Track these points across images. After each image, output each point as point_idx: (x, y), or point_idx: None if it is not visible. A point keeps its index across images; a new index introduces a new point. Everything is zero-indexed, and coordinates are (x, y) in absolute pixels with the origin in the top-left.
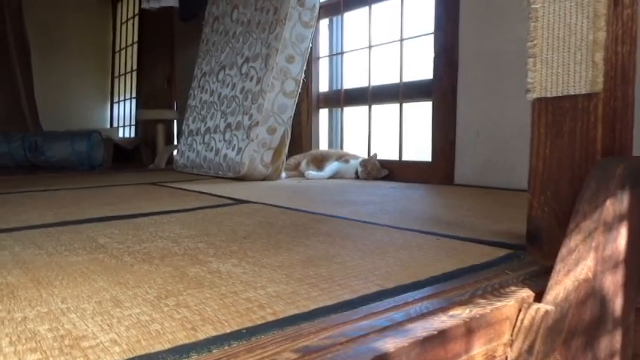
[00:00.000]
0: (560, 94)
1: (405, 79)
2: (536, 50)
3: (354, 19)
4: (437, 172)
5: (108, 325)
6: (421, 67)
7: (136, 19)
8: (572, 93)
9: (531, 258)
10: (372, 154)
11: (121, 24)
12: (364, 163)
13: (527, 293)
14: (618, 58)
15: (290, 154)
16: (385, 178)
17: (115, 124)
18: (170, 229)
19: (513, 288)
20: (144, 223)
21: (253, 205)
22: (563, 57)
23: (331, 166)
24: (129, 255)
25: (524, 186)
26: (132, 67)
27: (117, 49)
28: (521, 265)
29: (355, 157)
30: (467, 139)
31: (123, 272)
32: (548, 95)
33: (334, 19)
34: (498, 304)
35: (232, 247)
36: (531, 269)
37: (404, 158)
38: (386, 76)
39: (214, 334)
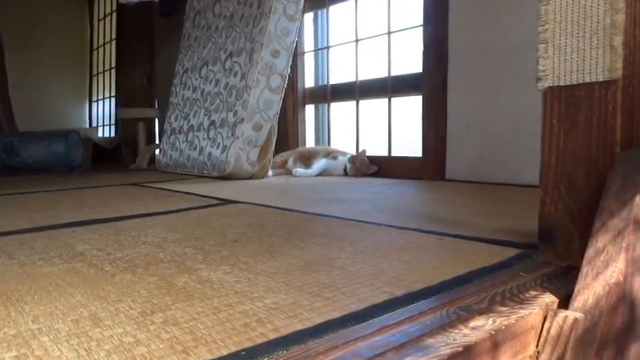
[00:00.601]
0: (575, 82)
1: (394, 73)
2: (547, 35)
3: (340, 12)
4: (428, 167)
5: (86, 349)
6: (410, 60)
7: (114, 15)
8: (588, 80)
9: (544, 258)
10: (360, 150)
11: (99, 20)
12: (353, 159)
13: (550, 299)
14: (637, 42)
15: (276, 151)
16: (374, 175)
17: (95, 124)
18: (154, 232)
19: (534, 292)
20: (126, 227)
21: (241, 205)
22: (577, 42)
23: (319, 163)
24: (110, 263)
25: (519, 181)
26: (110, 65)
27: (95, 46)
28: (535, 265)
29: (343, 153)
30: (458, 134)
31: (103, 284)
32: (562, 83)
33: (319, 12)
34: (522, 312)
35: (223, 252)
36: (547, 270)
37: (393, 154)
38: (374, 70)
39: (209, 357)
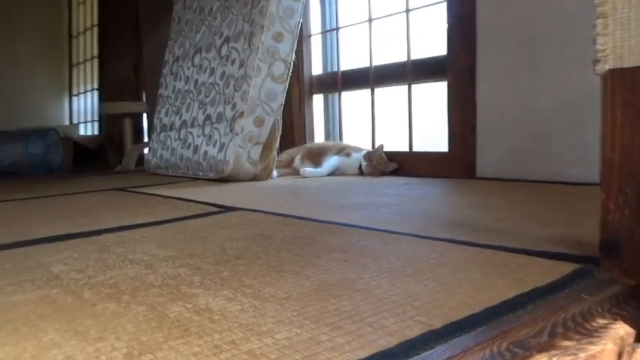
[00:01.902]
0: None
1: (414, 57)
2: (607, 8)
3: None
4: (455, 163)
5: None
6: (432, 41)
7: None
8: None
9: (608, 275)
10: (377, 145)
11: (78, 3)
12: (369, 156)
13: (624, 330)
14: None
15: (281, 148)
16: (394, 173)
17: (75, 120)
18: (143, 249)
19: (602, 321)
20: (110, 242)
21: (243, 212)
22: None
23: (330, 162)
24: (90, 289)
25: (565, 177)
26: (92, 54)
27: (74, 33)
28: (598, 285)
29: (358, 149)
30: (490, 124)
31: (82, 316)
32: (625, 65)
33: None
34: (592, 348)
35: (223, 273)
36: (613, 291)
37: (415, 149)
38: (390, 54)
39: None
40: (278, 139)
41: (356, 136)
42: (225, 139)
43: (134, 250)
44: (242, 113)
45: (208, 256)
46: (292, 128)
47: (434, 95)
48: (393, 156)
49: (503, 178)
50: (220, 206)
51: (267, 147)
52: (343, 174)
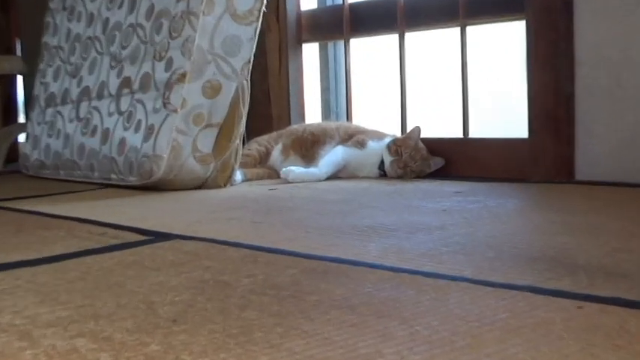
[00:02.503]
0: None
1: None
2: None
3: None
4: (540, 158)
5: None
6: None
7: None
8: None
9: None
10: (410, 129)
11: None
12: (396, 146)
13: None
14: None
15: (249, 135)
16: (437, 175)
17: None
18: (17, 305)
19: None
20: None
21: (185, 243)
22: None
23: (332, 156)
24: None
25: None
26: None
27: None
28: None
29: (377, 136)
30: (599, 93)
31: None
32: None
33: None
34: None
35: (150, 346)
36: None
37: (474, 134)
38: None
39: None
40: (243, 120)
41: (374, 113)
42: (155, 119)
43: (1, 308)
44: (183, 76)
45: (126, 317)
46: (268, 100)
47: (503, 44)
48: (436, 147)
49: (620, 182)
50: (147, 232)
51: (224, 133)
52: (354, 176)
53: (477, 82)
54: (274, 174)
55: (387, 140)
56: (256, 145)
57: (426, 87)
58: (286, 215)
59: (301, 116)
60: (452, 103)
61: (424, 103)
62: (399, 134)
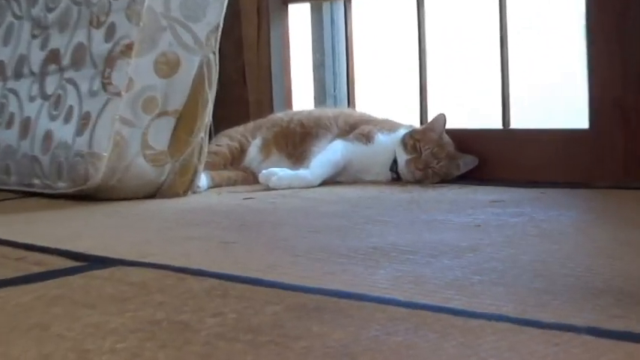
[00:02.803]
0: None
1: None
2: None
3: None
4: (605, 155)
5: None
6: None
7: None
8: None
9: None
10: (432, 118)
11: None
12: (414, 141)
13: None
14: None
15: (219, 125)
16: (467, 179)
17: None
18: None
19: None
20: None
21: (129, 270)
22: None
23: (328, 154)
24: None
25: None
26: None
27: None
28: None
29: (389, 126)
30: None
31: None
32: None
33: None
34: None
35: None
36: None
37: (516, 125)
38: None
39: None
40: (210, 106)
41: (384, 96)
42: (92, 106)
43: None
44: (128, 47)
45: None
46: (243, 80)
47: (554, 12)
48: (466, 141)
49: None
50: (80, 257)
51: (184, 123)
52: (357, 180)
53: (519, 59)
54: (251, 178)
55: (402, 133)
56: (227, 140)
57: (452, 62)
58: (267, 233)
59: (287, 101)
60: (487, 85)
61: (450, 83)
62: (417, 124)
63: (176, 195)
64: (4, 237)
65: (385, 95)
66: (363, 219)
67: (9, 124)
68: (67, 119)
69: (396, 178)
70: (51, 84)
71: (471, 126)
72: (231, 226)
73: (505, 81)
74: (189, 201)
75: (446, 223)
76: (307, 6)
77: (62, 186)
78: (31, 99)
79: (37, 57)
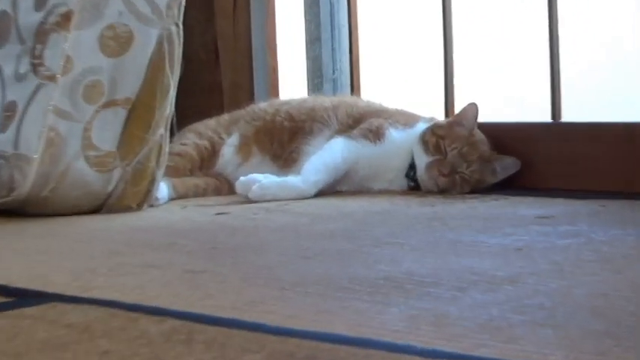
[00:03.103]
0: None
1: None
2: None
3: None
4: None
5: None
6: None
7: None
8: None
9: None
10: (460, 109)
11: None
12: (437, 138)
13: None
14: None
15: (184, 119)
16: (506, 188)
17: None
18: None
19: None
20: None
21: (67, 308)
22: None
23: (325, 156)
24: None
25: None
26: None
27: None
28: None
29: (405, 119)
30: None
31: None
32: None
33: None
34: None
35: None
36: None
37: (569, 117)
38: None
39: None
40: (172, 94)
41: (397, 81)
42: (18, 93)
43: None
44: (66, 18)
45: None
46: (215, 60)
47: None
48: (505, 137)
49: None
50: (4, 290)
51: (139, 116)
52: (363, 189)
53: (571, 36)
54: (225, 186)
55: (421, 128)
56: (195, 138)
57: (484, 36)
58: (246, 260)
59: (272, 86)
60: (530, 65)
61: (482, 64)
62: (440, 117)
63: (128, 209)
64: None
65: (398, 79)
66: (371, 240)
67: None
68: None
69: (413, 186)
70: None
71: (511, 119)
72: (200, 251)
73: (555, 61)
74: (145, 217)
75: (478, 245)
76: None
77: None
78: None
79: None
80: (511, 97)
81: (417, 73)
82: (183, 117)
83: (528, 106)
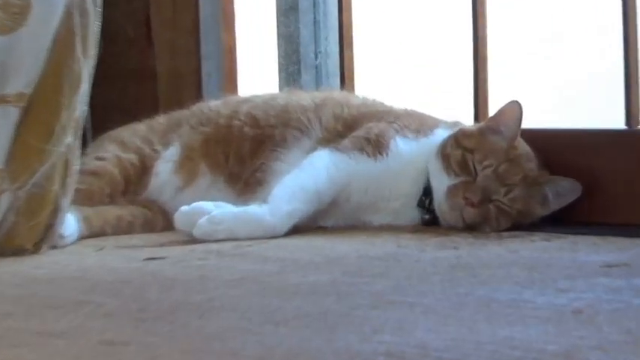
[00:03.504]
0: None
1: None
2: None
3: None
4: None
5: None
6: None
7: None
8: None
9: None
10: (501, 107)
11: None
12: (462, 150)
13: None
14: None
15: (103, 122)
16: (560, 222)
17: None
18: None
19: None
20: None
21: None
22: None
23: (302, 176)
24: None
25: None
26: None
27: None
28: None
29: (417, 124)
30: None
31: None
32: None
33: None
34: None
35: None
36: None
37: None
38: None
39: None
40: (85, 88)
41: (406, 71)
42: None
43: None
44: None
45: None
46: (147, 34)
47: None
48: (559, 150)
49: None
50: None
51: (37, 118)
52: (358, 223)
53: None
54: (159, 219)
55: (441, 136)
56: (117, 150)
57: (528, 16)
58: (188, 326)
59: (228, 76)
60: (594, 57)
61: (525, 51)
62: (468, 121)
63: (21, 251)
64: None
65: (408, 68)
66: (368, 299)
67: None
68: None
69: (428, 220)
70: None
71: (567, 125)
72: (122, 313)
73: (629, 53)
74: (46, 263)
75: (520, 306)
76: None
77: None
78: None
79: None
80: (567, 97)
81: (434, 60)
82: (102, 120)
83: (593, 110)
